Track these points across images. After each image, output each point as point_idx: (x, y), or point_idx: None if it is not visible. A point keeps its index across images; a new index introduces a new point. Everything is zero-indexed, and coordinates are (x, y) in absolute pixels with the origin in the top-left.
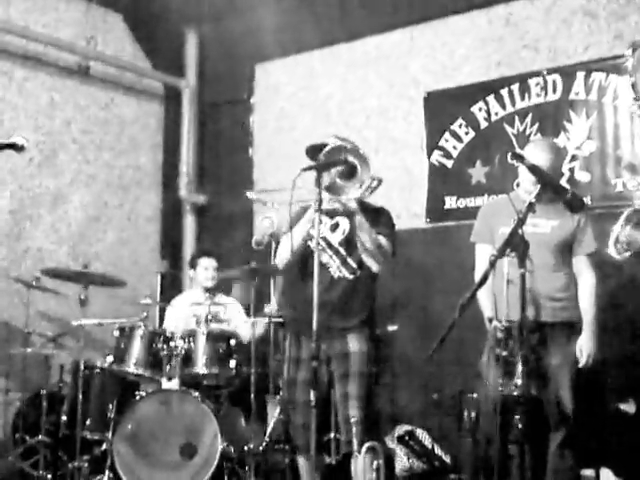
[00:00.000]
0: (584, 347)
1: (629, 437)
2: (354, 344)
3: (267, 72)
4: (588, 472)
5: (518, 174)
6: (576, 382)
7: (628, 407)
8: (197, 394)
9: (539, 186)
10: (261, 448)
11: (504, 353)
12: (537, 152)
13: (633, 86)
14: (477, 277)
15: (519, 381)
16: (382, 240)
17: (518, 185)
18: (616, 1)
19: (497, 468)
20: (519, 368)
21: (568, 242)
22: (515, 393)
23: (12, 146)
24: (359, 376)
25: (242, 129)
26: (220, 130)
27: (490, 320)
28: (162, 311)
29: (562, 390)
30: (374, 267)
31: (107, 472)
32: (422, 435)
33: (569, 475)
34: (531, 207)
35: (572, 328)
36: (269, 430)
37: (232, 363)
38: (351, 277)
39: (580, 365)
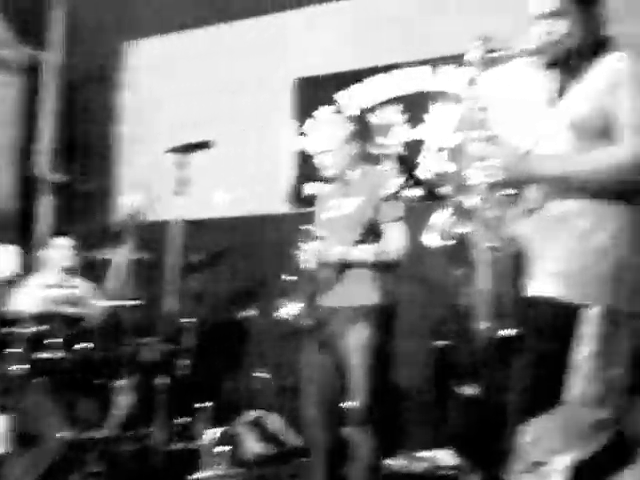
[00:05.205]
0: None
1: (469, 418)
2: None
3: (136, 50)
4: (429, 453)
5: None
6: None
7: (469, 389)
8: (40, 380)
9: (401, 175)
10: (107, 435)
11: None
12: (318, 130)
13: (474, 78)
14: None
15: None
16: None
17: None
18: None
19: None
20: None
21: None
22: None
23: None
24: None
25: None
26: (85, 107)
27: None
28: (14, 293)
29: (355, 381)
30: None
31: None
32: (273, 419)
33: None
34: (392, 195)
35: (365, 310)
36: (117, 416)
37: (83, 347)
38: None
39: None
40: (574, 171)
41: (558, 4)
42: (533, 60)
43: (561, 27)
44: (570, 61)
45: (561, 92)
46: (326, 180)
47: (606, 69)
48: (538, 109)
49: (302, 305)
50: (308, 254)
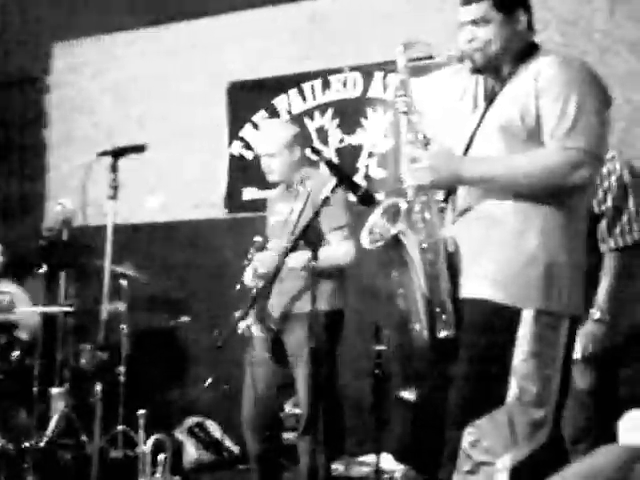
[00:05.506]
0: None
1: (409, 423)
2: None
3: (66, 51)
4: (369, 458)
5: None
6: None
7: (409, 394)
8: None
9: (335, 180)
10: (42, 444)
11: None
12: (264, 134)
13: (402, 83)
14: None
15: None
16: None
17: None
18: (414, 7)
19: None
20: None
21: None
22: None
23: None
24: None
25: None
26: (12, 109)
27: None
28: None
29: (300, 391)
30: None
31: None
32: (211, 426)
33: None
34: (326, 201)
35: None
36: (52, 424)
37: (14, 354)
38: None
39: None
40: (503, 174)
41: (482, 12)
42: (462, 66)
43: (484, 34)
44: (495, 66)
45: (490, 96)
46: (270, 184)
47: (533, 73)
48: (467, 113)
49: (255, 314)
50: (257, 264)
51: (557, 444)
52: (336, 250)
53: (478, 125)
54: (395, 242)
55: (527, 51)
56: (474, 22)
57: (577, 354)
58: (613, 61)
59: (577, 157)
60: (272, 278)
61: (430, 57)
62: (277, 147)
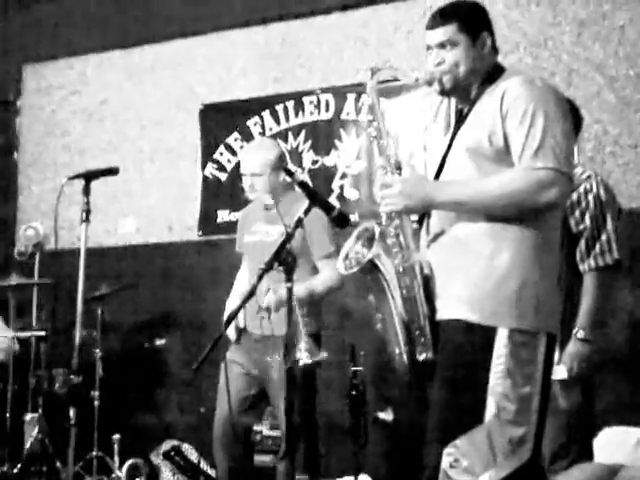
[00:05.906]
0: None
1: (386, 444)
2: None
3: (37, 74)
4: (348, 479)
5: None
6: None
7: (386, 415)
8: None
9: (308, 202)
10: (16, 470)
11: None
12: (251, 153)
13: (370, 108)
14: (235, 285)
15: None
16: None
17: None
18: (385, 29)
19: None
20: None
21: (302, 247)
22: None
23: None
24: None
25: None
26: None
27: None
28: None
29: (280, 414)
30: None
31: None
32: (188, 450)
33: None
34: (300, 222)
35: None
36: (26, 450)
37: None
38: None
39: None
40: (474, 197)
41: (449, 35)
42: (431, 89)
43: (452, 56)
44: (463, 88)
45: (459, 118)
46: (243, 206)
47: (498, 95)
48: (440, 135)
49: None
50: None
51: (535, 462)
52: (331, 275)
53: (449, 147)
54: (371, 267)
55: (493, 72)
56: (442, 45)
57: (563, 374)
58: (581, 82)
59: (547, 177)
60: (245, 299)
61: (395, 79)
62: (263, 167)
